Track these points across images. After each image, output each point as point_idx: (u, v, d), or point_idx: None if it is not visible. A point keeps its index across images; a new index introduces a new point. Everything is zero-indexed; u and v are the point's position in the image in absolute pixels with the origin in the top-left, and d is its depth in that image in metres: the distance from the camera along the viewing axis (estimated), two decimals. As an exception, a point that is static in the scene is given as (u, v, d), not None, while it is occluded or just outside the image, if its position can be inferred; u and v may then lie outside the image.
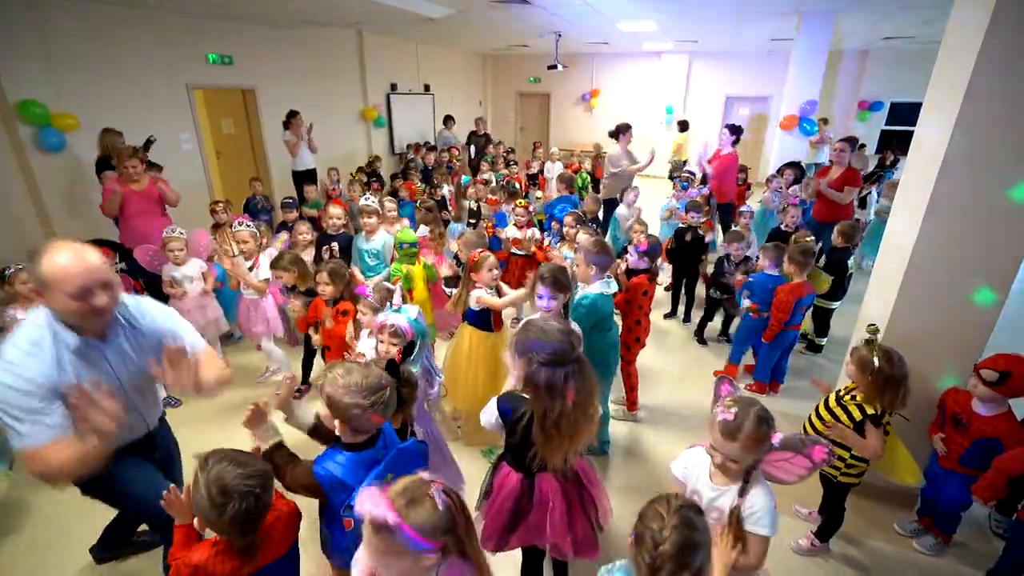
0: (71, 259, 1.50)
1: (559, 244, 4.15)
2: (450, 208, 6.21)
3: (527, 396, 1.66)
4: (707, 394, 3.69)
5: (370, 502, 1.07)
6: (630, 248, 3.45)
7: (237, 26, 6.89)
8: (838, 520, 2.41)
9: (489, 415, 1.76)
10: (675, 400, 3.68)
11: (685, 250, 4.59)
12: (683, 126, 10.57)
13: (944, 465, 2.35)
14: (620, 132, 6.03)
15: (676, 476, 1.75)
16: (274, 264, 3.40)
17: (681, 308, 4.95)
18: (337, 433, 1.52)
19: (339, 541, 1.60)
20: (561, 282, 2.36)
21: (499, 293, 3.02)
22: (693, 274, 4.74)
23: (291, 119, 6.89)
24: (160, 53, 6.05)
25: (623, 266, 3.45)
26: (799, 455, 1.58)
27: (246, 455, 1.39)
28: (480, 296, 2.89)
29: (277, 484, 1.51)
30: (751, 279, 3.74)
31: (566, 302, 2.43)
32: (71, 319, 1.57)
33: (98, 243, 3.58)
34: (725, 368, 3.98)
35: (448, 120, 10.32)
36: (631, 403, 3.43)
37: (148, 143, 4.73)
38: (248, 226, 3.61)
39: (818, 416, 2.33)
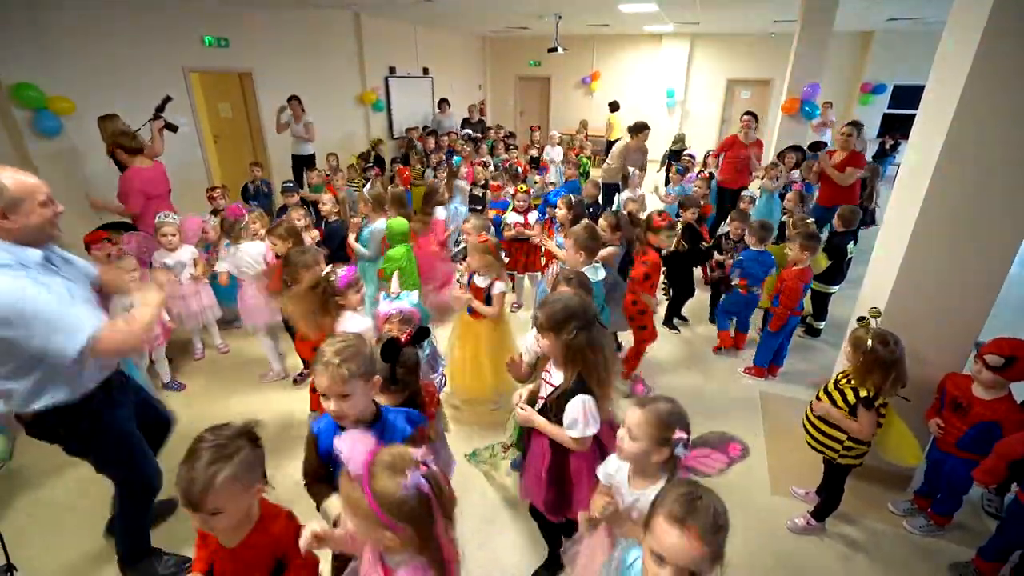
0: (24, 175, 1.66)
1: (560, 229, 4.13)
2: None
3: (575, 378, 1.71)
4: (701, 377, 3.78)
5: (351, 446, 1.08)
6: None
7: (233, 8, 6.79)
8: (836, 501, 2.45)
9: (588, 413, 1.70)
10: (670, 384, 3.72)
11: (687, 249, 4.24)
12: (613, 107, 10.48)
13: (941, 448, 2.38)
14: (638, 130, 6.18)
15: (601, 481, 1.67)
16: (270, 231, 3.41)
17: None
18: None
19: None
20: (586, 286, 2.36)
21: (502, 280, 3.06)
22: (688, 270, 4.44)
23: (289, 103, 6.94)
24: (156, 35, 5.97)
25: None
26: (715, 451, 1.55)
27: (230, 429, 1.33)
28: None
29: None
30: (741, 257, 3.82)
31: None
32: (34, 231, 1.66)
33: (105, 228, 3.58)
34: (719, 337, 4.13)
35: (443, 103, 10.23)
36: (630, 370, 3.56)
37: (165, 102, 4.59)
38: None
39: (818, 400, 2.36)
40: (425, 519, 1.06)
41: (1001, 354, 2.12)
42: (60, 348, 1.58)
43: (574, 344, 1.65)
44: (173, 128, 4.69)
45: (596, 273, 2.71)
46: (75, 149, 5.20)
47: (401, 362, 1.77)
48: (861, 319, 2.29)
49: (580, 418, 1.69)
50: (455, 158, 6.63)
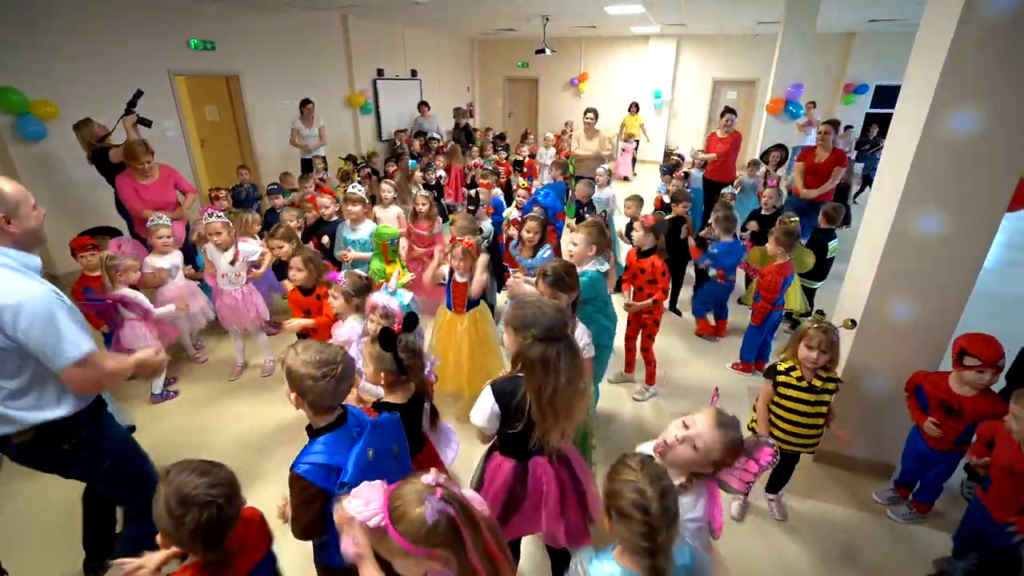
0: (8, 180, 1.65)
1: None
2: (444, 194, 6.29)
3: (520, 375, 1.65)
4: (691, 369, 3.84)
5: (363, 503, 1.07)
6: (636, 224, 3.46)
7: (219, 10, 6.77)
8: (787, 474, 2.57)
9: (483, 408, 1.69)
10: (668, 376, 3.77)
11: (674, 239, 4.47)
12: (633, 108, 10.63)
13: (939, 447, 2.38)
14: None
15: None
16: (272, 234, 3.46)
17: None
18: (296, 408, 1.52)
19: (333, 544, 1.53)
20: (564, 281, 2.27)
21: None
22: (681, 260, 4.65)
23: (303, 107, 6.97)
24: (141, 39, 5.94)
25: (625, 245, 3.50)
26: (749, 459, 1.46)
27: (210, 464, 1.29)
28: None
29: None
30: (714, 249, 4.01)
31: (574, 300, 2.35)
32: (32, 234, 1.68)
33: (90, 233, 3.55)
34: (699, 324, 4.38)
35: (422, 106, 10.08)
36: (649, 375, 3.55)
37: (136, 97, 4.41)
38: (219, 217, 3.49)
39: (789, 412, 2.39)
40: (456, 541, 1.04)
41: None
42: (61, 353, 1.58)
43: (525, 351, 1.59)
44: (147, 123, 4.47)
45: (601, 265, 2.82)
46: (59, 154, 5.16)
47: (403, 347, 1.75)
48: (820, 312, 2.42)
49: (477, 409, 1.69)
50: (411, 162, 6.69)
